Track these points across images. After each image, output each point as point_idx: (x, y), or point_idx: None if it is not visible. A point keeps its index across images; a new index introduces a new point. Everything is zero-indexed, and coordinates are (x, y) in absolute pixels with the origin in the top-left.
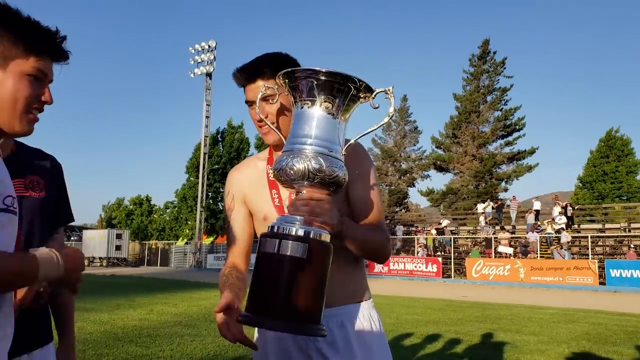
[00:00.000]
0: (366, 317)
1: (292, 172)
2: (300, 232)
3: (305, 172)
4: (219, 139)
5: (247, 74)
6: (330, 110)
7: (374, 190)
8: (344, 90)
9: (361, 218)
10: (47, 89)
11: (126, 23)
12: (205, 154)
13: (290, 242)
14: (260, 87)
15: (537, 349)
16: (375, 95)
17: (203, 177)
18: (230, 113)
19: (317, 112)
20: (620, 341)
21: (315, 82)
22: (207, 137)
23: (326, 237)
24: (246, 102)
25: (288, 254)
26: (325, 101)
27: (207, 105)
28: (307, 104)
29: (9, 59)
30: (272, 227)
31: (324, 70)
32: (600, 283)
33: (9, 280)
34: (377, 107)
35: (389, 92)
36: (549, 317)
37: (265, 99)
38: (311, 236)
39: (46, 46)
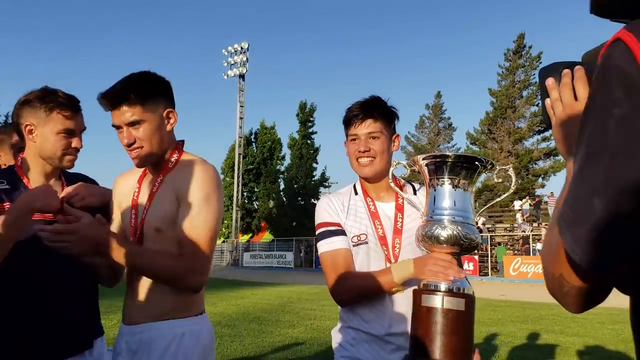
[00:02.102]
0: (167, 338)
1: (442, 238)
2: (465, 289)
3: (454, 238)
4: (252, 139)
5: (111, 100)
6: (462, 185)
7: (202, 215)
8: (472, 167)
9: (179, 239)
10: None
11: (159, 26)
12: (239, 154)
13: (453, 298)
14: (124, 112)
15: (583, 352)
16: (497, 172)
17: (238, 177)
18: (263, 114)
19: (451, 188)
20: None
21: (451, 164)
22: (241, 138)
23: (470, 290)
24: (113, 126)
25: (453, 307)
26: (457, 178)
27: (240, 106)
28: (445, 181)
29: None
30: (431, 284)
31: (457, 155)
32: None
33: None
34: (500, 182)
35: (508, 170)
36: (592, 317)
37: (131, 123)
38: (467, 292)
39: None
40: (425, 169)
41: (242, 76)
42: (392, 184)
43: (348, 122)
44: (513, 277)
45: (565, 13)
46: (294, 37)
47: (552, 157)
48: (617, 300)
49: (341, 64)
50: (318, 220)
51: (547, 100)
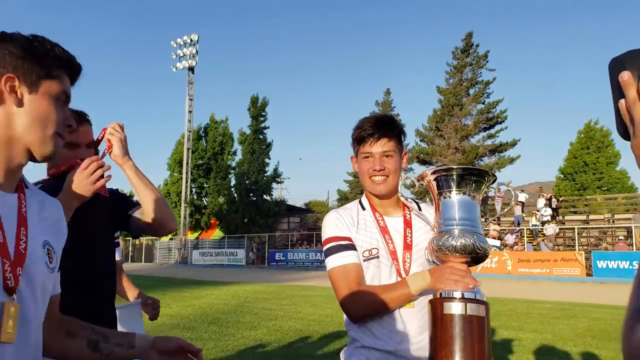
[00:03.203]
0: None
1: (458, 248)
2: (479, 296)
3: (470, 247)
4: (202, 134)
5: None
6: (470, 197)
7: None
8: (478, 180)
9: None
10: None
11: (106, 16)
12: (188, 149)
13: (475, 304)
14: None
15: (543, 348)
16: (499, 186)
17: (187, 172)
18: (213, 108)
19: (462, 199)
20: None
21: (456, 176)
22: (190, 132)
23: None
24: None
25: (475, 314)
26: (466, 189)
27: (189, 99)
28: (454, 193)
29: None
30: (451, 292)
31: (465, 167)
32: (587, 274)
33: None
34: (501, 196)
35: (508, 186)
36: (547, 312)
37: None
38: (484, 299)
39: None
40: (434, 183)
41: (191, 69)
42: (402, 198)
43: (361, 140)
44: None
45: (512, 13)
46: (245, 30)
47: (497, 153)
48: (569, 294)
49: (294, 59)
50: (327, 234)
51: (622, 102)
